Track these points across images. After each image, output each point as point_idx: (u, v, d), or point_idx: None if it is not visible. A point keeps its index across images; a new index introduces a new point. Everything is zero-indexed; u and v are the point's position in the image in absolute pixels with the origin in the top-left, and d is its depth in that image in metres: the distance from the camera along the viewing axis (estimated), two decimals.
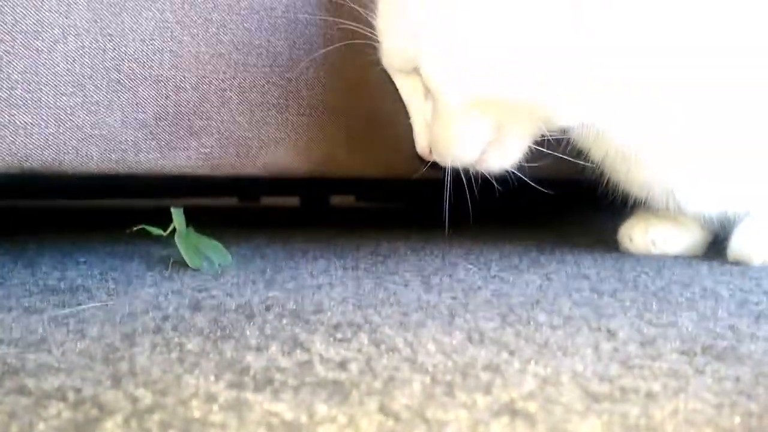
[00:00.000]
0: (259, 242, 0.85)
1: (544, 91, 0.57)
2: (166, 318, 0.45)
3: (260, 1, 0.70)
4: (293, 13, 0.72)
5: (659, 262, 0.70)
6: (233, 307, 0.48)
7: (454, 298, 0.52)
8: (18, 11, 0.60)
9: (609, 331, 0.41)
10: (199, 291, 0.54)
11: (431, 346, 0.37)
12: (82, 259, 0.70)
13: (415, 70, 0.61)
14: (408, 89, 0.65)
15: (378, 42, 0.65)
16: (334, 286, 0.56)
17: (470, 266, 0.67)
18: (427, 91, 0.62)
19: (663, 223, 0.77)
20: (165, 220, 0.66)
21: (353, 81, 0.76)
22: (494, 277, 0.61)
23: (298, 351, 0.37)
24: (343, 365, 0.34)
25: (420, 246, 0.82)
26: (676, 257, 0.74)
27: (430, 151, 0.65)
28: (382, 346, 0.38)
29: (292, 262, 0.70)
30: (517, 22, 0.56)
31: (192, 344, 0.38)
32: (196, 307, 0.48)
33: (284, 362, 0.35)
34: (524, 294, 0.53)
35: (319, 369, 0.33)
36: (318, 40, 0.74)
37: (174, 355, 0.36)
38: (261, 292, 0.53)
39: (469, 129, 0.61)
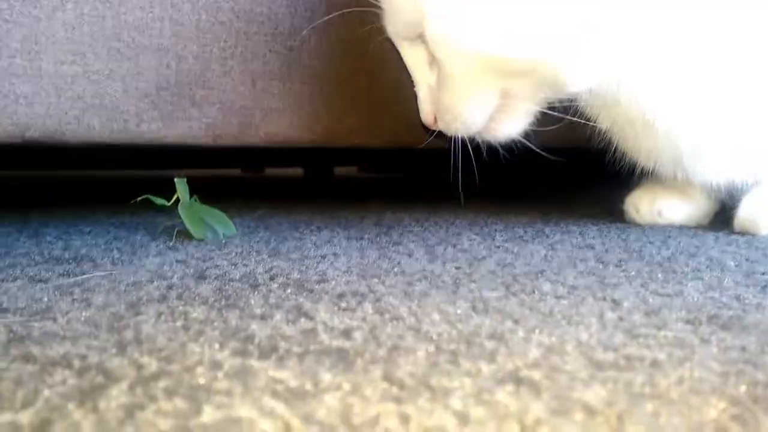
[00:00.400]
0: (262, 213, 0.85)
1: (554, 50, 0.55)
2: (170, 287, 0.45)
3: None
4: None
5: (665, 232, 0.70)
6: (237, 277, 0.48)
7: (458, 268, 0.51)
8: None
9: (614, 300, 0.41)
10: (204, 260, 0.54)
11: (435, 315, 0.37)
12: (86, 229, 0.70)
13: (420, 37, 0.60)
14: (412, 58, 0.64)
15: (381, 8, 0.64)
16: (338, 257, 0.56)
17: (474, 236, 0.67)
18: (433, 59, 0.61)
19: (670, 194, 0.77)
20: (169, 190, 0.66)
21: (357, 50, 0.75)
22: (498, 247, 0.61)
23: (303, 320, 0.37)
24: (347, 333, 0.34)
25: (424, 217, 0.82)
26: (681, 227, 0.73)
27: (435, 120, 0.64)
28: (387, 315, 0.38)
29: (296, 233, 0.70)
30: None
31: (197, 313, 0.38)
32: (200, 276, 0.48)
33: (289, 330, 0.35)
34: (529, 264, 0.53)
35: (324, 337, 0.33)
36: (321, 7, 0.73)
37: (179, 323, 0.36)
38: (265, 262, 0.53)
39: (476, 95, 0.60)
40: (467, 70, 0.58)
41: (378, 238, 0.66)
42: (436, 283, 0.46)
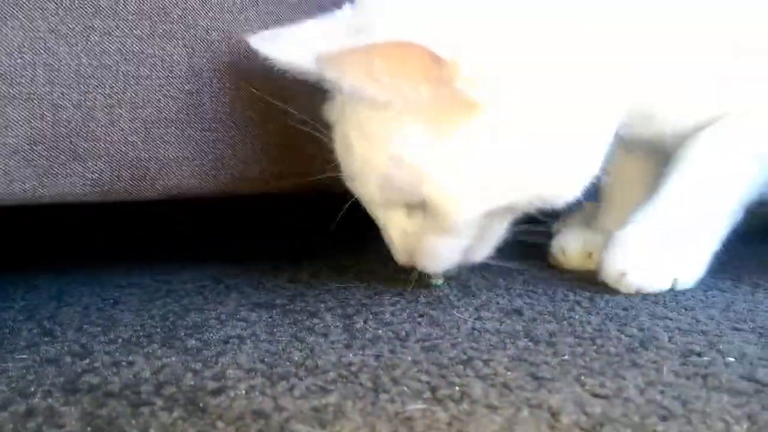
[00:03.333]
0: (163, 265, 0.77)
1: (552, 170, 0.56)
2: (30, 412, 0.37)
3: (151, 4, 0.61)
4: (192, 17, 0.63)
5: (591, 286, 0.66)
6: (117, 389, 0.40)
7: (378, 356, 0.46)
8: None
9: (551, 411, 0.37)
10: (81, 357, 0.46)
11: None
12: None
13: (406, 202, 0.58)
14: (386, 212, 0.60)
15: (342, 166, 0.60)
16: (244, 342, 0.49)
17: (397, 299, 0.61)
18: (412, 209, 0.58)
19: (598, 235, 0.74)
20: None
21: (266, 89, 0.69)
22: (422, 316, 0.56)
23: None
24: None
25: (343, 267, 0.76)
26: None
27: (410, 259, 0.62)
28: None
29: (200, 299, 0.63)
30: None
31: None
32: (71, 389, 0.40)
33: None
34: (455, 346, 0.48)
35: None
36: (222, 47, 0.66)
37: None
38: (154, 358, 0.46)
39: (466, 238, 0.58)
40: (471, 221, 0.56)
41: (291, 305, 0.60)
42: (354, 390, 0.40)
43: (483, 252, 0.62)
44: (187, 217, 0.97)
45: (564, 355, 0.46)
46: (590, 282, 0.65)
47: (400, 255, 0.61)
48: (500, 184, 0.55)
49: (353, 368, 0.43)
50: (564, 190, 0.57)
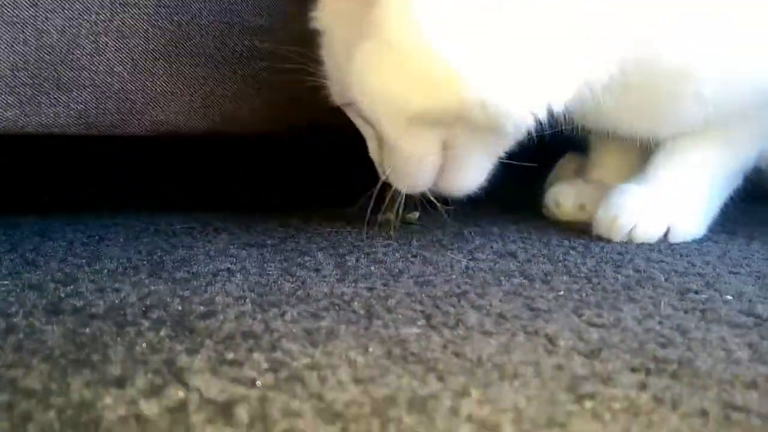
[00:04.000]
0: (152, 209, 0.75)
1: (482, 87, 0.48)
2: (10, 329, 0.35)
3: None
4: None
5: (585, 234, 0.65)
6: (101, 311, 0.39)
7: (371, 289, 0.45)
8: None
9: (548, 337, 0.36)
10: (65, 284, 0.45)
11: (343, 373, 0.30)
12: None
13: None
14: (358, 119, 0.59)
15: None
16: (233, 274, 0.48)
17: (389, 242, 0.60)
18: None
19: (592, 186, 0.73)
20: None
21: (258, 26, 0.66)
22: (415, 256, 0.55)
23: (171, 388, 0.29)
24: (227, 411, 0.27)
25: (336, 214, 0.74)
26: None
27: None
28: (282, 373, 0.30)
29: (188, 238, 0.61)
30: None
31: (30, 379, 0.29)
32: (53, 310, 0.39)
33: (149, 408, 0.27)
34: (449, 281, 0.47)
35: (195, 420, 0.26)
36: None
37: (3, 396, 0.28)
38: (141, 286, 0.44)
39: (413, 150, 0.54)
40: (396, 127, 0.52)
41: (283, 245, 0.59)
42: (347, 316, 0.39)
43: (458, 183, 0.57)
44: (172, 161, 0.95)
45: (560, 291, 0.45)
46: (585, 233, 0.64)
47: (379, 169, 0.59)
48: (413, 87, 0.49)
49: (345, 298, 0.42)
50: (508, 103, 0.49)
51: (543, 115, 0.52)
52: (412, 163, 0.56)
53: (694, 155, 0.63)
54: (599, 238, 0.62)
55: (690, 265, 0.53)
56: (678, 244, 0.61)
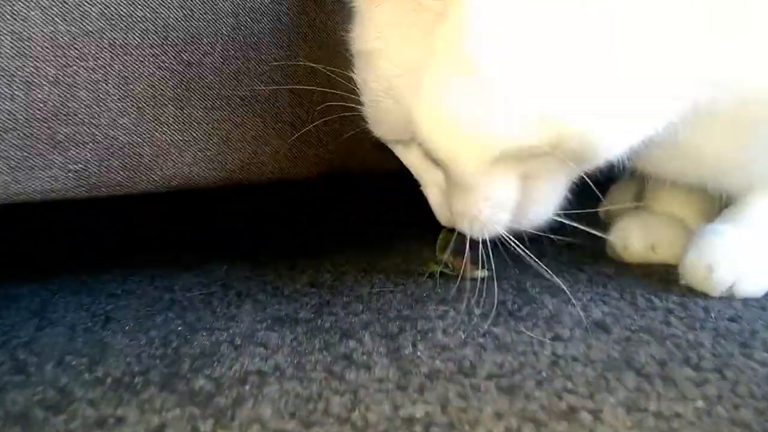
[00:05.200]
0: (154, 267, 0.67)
1: (575, 120, 0.41)
2: None
3: None
4: None
5: (672, 287, 0.56)
6: None
7: (445, 407, 0.36)
8: None
9: None
10: (55, 412, 0.36)
11: None
12: None
13: (413, 139, 0.47)
14: (412, 158, 0.51)
15: (361, 106, 0.49)
16: (265, 380, 0.39)
17: (446, 308, 0.51)
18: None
19: (663, 223, 0.65)
20: None
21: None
22: (484, 335, 0.46)
23: None
24: None
25: (370, 264, 0.65)
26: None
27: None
28: None
29: (208, 313, 0.53)
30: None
31: None
32: None
33: None
34: (541, 383, 0.38)
35: None
36: (225, 5, 0.54)
37: None
38: (152, 408, 0.36)
39: (492, 193, 0.46)
40: (477, 168, 0.43)
41: (319, 320, 0.50)
42: None
43: (537, 213, 0.50)
44: (190, 211, 0.87)
45: (695, 401, 0.36)
46: (666, 279, 0.56)
47: (443, 220, 0.53)
48: (507, 121, 0.42)
49: (416, 428, 0.33)
50: (595, 138, 0.43)
51: (637, 145, 0.45)
52: (492, 204, 0.47)
53: None
54: (689, 290, 0.54)
55: None
56: None
